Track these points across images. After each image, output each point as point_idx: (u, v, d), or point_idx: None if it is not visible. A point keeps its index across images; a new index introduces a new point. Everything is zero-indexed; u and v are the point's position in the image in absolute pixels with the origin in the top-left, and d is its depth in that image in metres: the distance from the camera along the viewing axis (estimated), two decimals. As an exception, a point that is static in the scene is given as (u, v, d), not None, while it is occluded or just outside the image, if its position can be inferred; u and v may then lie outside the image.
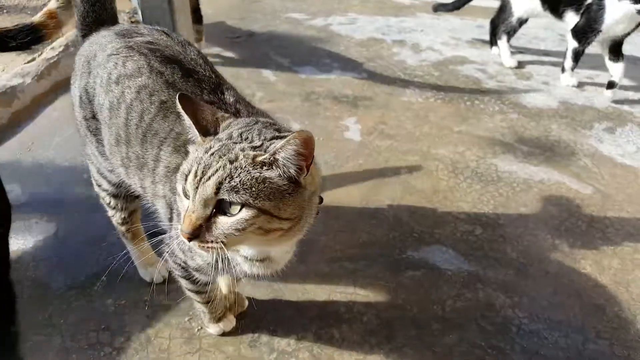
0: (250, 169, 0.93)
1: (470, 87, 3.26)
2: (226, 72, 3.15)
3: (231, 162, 0.93)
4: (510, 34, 3.55)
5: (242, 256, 1.13)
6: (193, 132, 1.03)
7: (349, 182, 2.36)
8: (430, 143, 2.66)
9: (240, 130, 1.02)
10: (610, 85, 3.15)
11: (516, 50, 3.76)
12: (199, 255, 1.21)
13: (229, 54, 3.50)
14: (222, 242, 0.95)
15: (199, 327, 1.64)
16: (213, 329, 1.59)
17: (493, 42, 3.72)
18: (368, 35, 3.98)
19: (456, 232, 2.08)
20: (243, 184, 0.92)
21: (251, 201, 0.92)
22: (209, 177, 0.92)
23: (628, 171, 2.51)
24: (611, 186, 2.39)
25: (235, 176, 0.92)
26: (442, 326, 1.68)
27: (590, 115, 3.00)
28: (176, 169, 1.19)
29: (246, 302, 1.68)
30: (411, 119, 2.88)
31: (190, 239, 0.94)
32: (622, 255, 1.99)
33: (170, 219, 1.28)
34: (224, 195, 0.91)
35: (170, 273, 1.77)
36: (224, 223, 0.93)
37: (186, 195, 0.98)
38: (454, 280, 1.86)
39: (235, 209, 0.92)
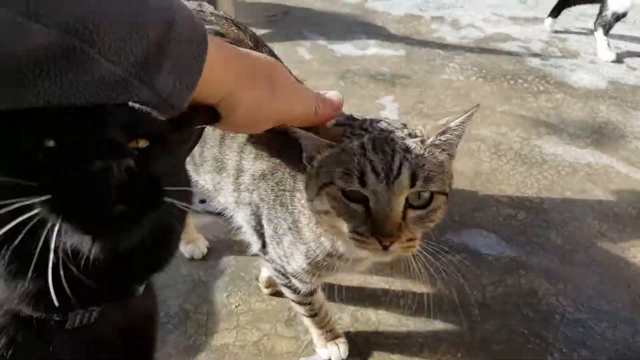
0: (427, 154, 0.87)
1: (514, 65, 3.13)
2: (262, 49, 3.06)
3: (408, 151, 0.86)
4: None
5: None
6: (316, 145, 0.91)
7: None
8: (471, 123, 2.56)
9: (368, 122, 0.94)
10: None
11: (563, 29, 3.60)
12: (294, 260, 1.16)
13: (264, 31, 3.45)
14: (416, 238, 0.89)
15: (237, 304, 1.63)
16: (321, 351, 1.48)
17: (554, 14, 3.52)
18: (405, 11, 3.87)
19: (498, 216, 2.00)
20: (431, 171, 0.85)
21: (441, 186, 0.87)
22: (399, 171, 0.84)
23: (682, 155, 2.38)
24: (664, 171, 2.27)
25: (422, 164, 0.85)
26: (482, 312, 1.63)
27: (642, 95, 2.86)
28: (262, 175, 1.15)
29: None
30: (451, 97, 2.79)
31: (392, 243, 0.85)
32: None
33: (258, 228, 1.23)
34: (421, 186, 0.84)
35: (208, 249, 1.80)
36: (419, 216, 0.87)
37: (353, 199, 0.87)
38: (495, 265, 1.79)
39: (424, 198, 0.86)
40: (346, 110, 1.04)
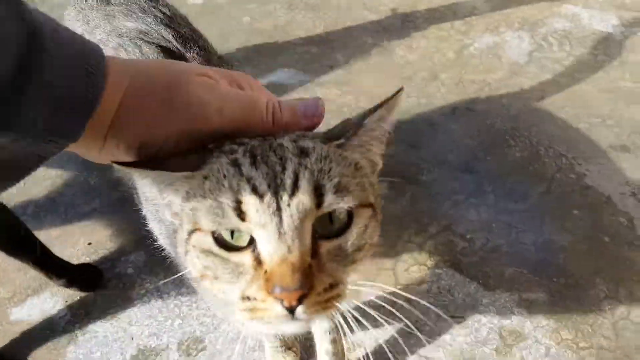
0: (333, 155, 0.58)
1: None
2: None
3: (305, 155, 0.56)
4: None
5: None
6: (165, 181, 0.59)
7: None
8: None
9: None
10: None
11: None
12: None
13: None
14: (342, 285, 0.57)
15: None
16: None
17: None
18: None
19: (295, 55, 2.39)
20: (343, 176, 0.57)
21: (361, 195, 0.58)
22: (295, 185, 0.54)
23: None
24: (422, -13, 2.76)
25: (328, 169, 0.56)
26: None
27: None
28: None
29: None
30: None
31: (301, 301, 0.53)
32: (428, 36, 2.40)
33: None
34: (332, 202, 0.55)
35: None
36: (339, 247, 0.57)
37: (234, 248, 0.56)
38: (294, 89, 2.20)
39: (340, 221, 0.57)
40: None
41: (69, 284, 1.52)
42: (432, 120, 2.02)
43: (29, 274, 1.57)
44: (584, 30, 2.42)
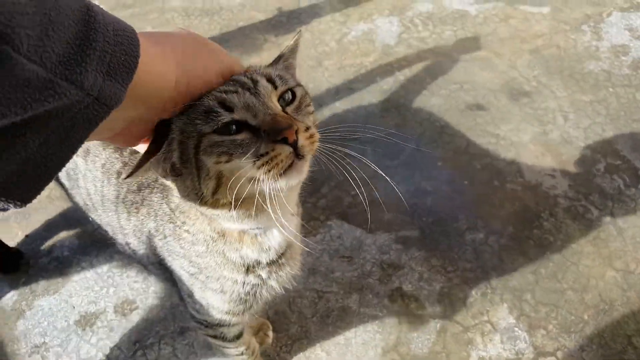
0: (271, 68, 0.85)
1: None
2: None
3: (253, 72, 0.82)
4: None
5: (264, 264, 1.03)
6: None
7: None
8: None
9: None
10: None
11: None
12: (214, 308, 1.12)
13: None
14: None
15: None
16: None
17: None
18: None
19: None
20: (279, 74, 0.82)
21: (295, 82, 0.84)
22: (254, 80, 0.77)
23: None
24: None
25: (269, 71, 0.82)
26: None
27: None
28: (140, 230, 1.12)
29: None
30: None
31: (297, 136, 0.72)
32: (312, 29, 2.71)
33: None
34: (282, 85, 0.79)
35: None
36: (296, 107, 0.81)
37: (235, 133, 0.74)
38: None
39: (289, 97, 0.81)
40: None
41: None
42: (320, 101, 2.34)
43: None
44: (445, 10, 2.82)
